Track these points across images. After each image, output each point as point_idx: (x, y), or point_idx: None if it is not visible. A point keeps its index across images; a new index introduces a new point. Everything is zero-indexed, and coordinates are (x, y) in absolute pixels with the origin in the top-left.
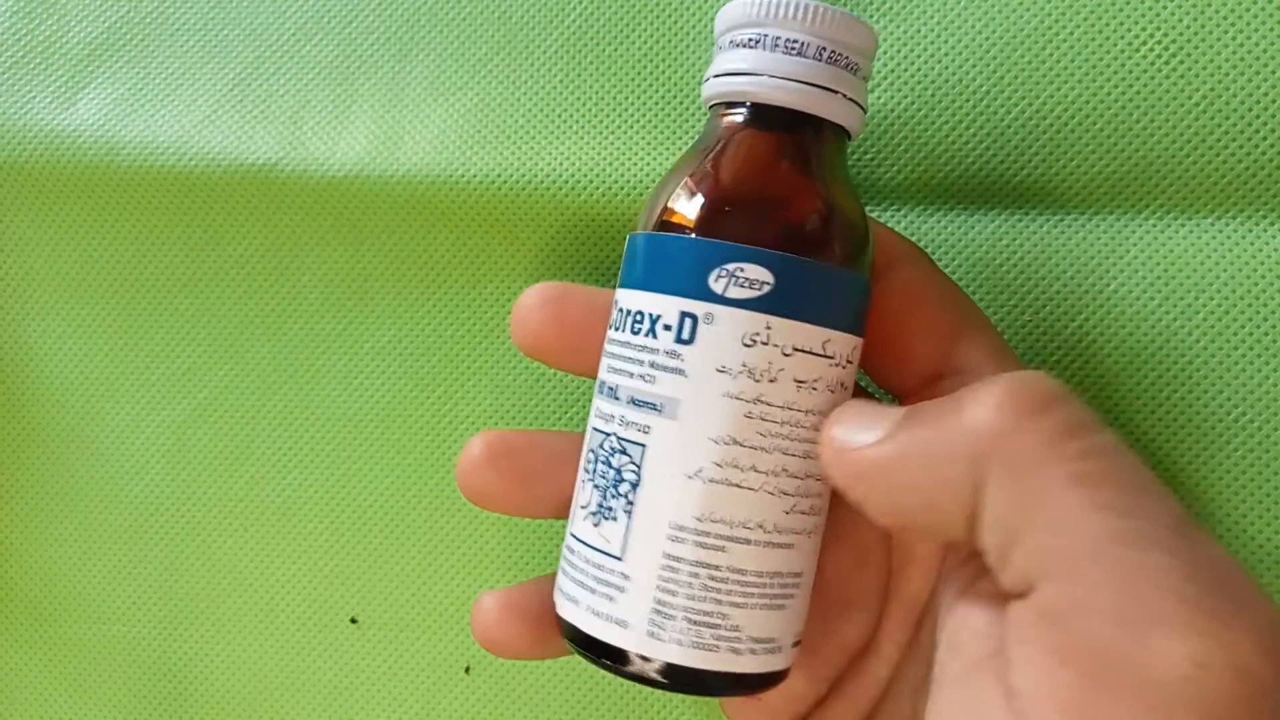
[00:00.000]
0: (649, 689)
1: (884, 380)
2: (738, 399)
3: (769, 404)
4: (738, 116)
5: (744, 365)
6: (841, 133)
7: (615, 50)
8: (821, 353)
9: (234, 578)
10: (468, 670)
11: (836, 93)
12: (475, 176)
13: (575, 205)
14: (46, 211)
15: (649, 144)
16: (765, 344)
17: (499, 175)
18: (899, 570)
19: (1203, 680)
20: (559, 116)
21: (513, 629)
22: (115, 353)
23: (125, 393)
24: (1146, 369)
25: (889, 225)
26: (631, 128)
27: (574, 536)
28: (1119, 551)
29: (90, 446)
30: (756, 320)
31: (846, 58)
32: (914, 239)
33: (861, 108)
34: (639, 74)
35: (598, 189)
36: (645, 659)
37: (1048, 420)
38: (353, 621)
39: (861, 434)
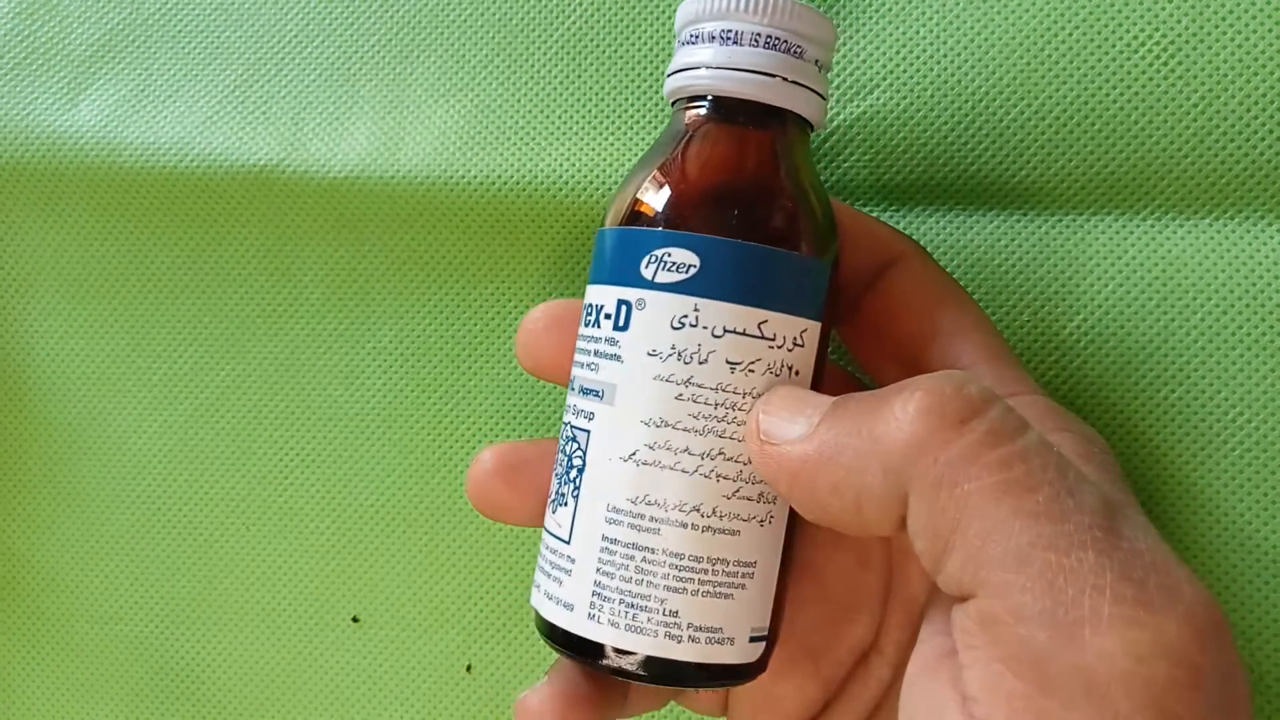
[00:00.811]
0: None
1: (882, 377)
2: (668, 381)
3: (700, 385)
4: (692, 113)
5: (673, 348)
6: (800, 123)
7: (615, 51)
8: (758, 334)
9: (236, 577)
10: (469, 669)
11: (783, 79)
12: (476, 177)
13: (575, 206)
14: (49, 212)
15: (649, 145)
16: (694, 326)
17: (499, 176)
18: (898, 570)
19: (1141, 672)
20: (559, 118)
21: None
22: (117, 353)
23: (127, 393)
24: (1145, 369)
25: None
26: (631, 129)
27: (544, 528)
28: (1049, 557)
29: (92, 447)
30: (684, 303)
31: (794, 45)
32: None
33: (818, 95)
34: (639, 75)
35: (598, 190)
36: (585, 640)
37: (969, 430)
38: (354, 621)
39: (786, 427)
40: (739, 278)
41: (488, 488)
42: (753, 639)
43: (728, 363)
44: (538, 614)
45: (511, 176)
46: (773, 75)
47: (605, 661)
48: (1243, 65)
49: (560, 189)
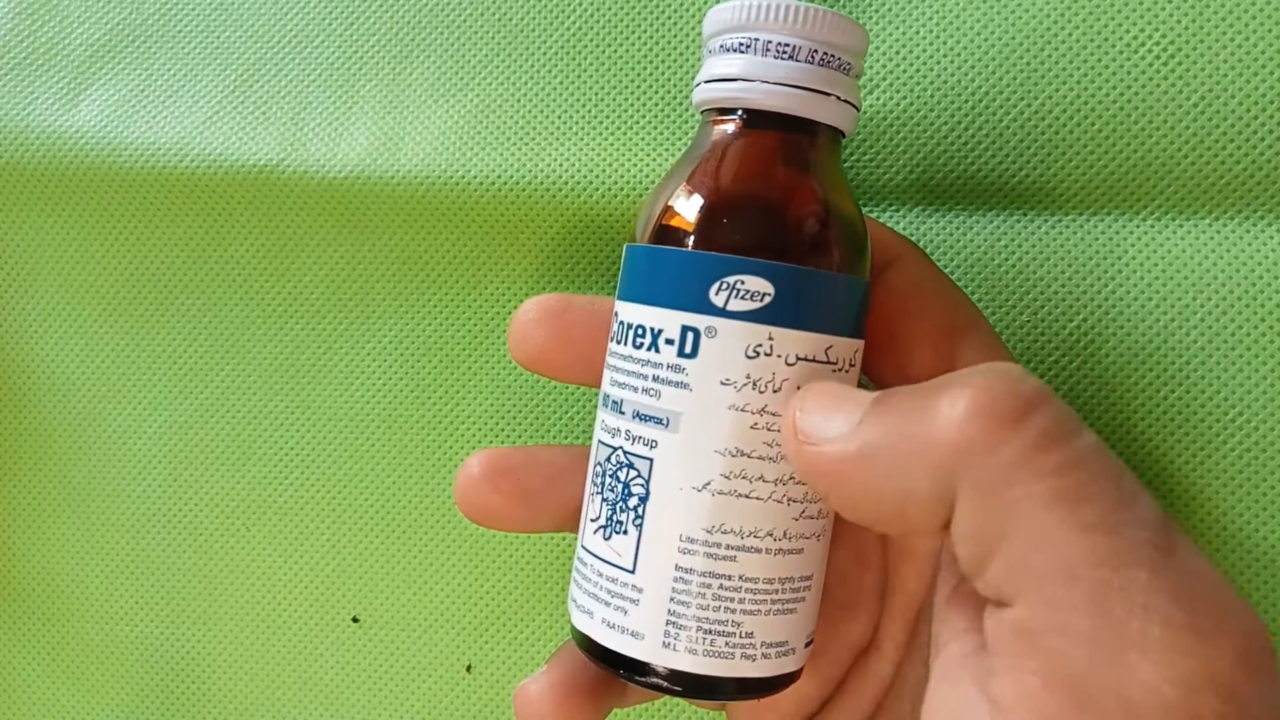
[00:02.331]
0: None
1: (880, 378)
2: (743, 411)
3: (774, 414)
4: (731, 123)
5: (747, 377)
6: (836, 134)
7: (615, 51)
8: (824, 359)
9: (236, 577)
10: (469, 669)
11: (831, 95)
12: (475, 177)
13: (575, 206)
14: (49, 212)
15: (649, 145)
16: (768, 355)
17: (499, 176)
18: (895, 568)
19: (1186, 703)
20: (559, 117)
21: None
22: (118, 353)
23: (127, 393)
24: (1144, 369)
25: (888, 226)
26: (631, 129)
27: (585, 549)
28: (1100, 574)
29: (93, 446)
30: (759, 332)
31: (838, 58)
32: (913, 240)
33: (855, 107)
34: (639, 75)
35: (598, 190)
36: (660, 669)
37: (1023, 431)
38: (354, 620)
39: (825, 424)
40: (811, 306)
41: (474, 493)
42: (806, 644)
43: (799, 390)
44: (590, 640)
45: (511, 176)
46: (828, 93)
47: (678, 687)
48: (1243, 65)
49: (560, 189)
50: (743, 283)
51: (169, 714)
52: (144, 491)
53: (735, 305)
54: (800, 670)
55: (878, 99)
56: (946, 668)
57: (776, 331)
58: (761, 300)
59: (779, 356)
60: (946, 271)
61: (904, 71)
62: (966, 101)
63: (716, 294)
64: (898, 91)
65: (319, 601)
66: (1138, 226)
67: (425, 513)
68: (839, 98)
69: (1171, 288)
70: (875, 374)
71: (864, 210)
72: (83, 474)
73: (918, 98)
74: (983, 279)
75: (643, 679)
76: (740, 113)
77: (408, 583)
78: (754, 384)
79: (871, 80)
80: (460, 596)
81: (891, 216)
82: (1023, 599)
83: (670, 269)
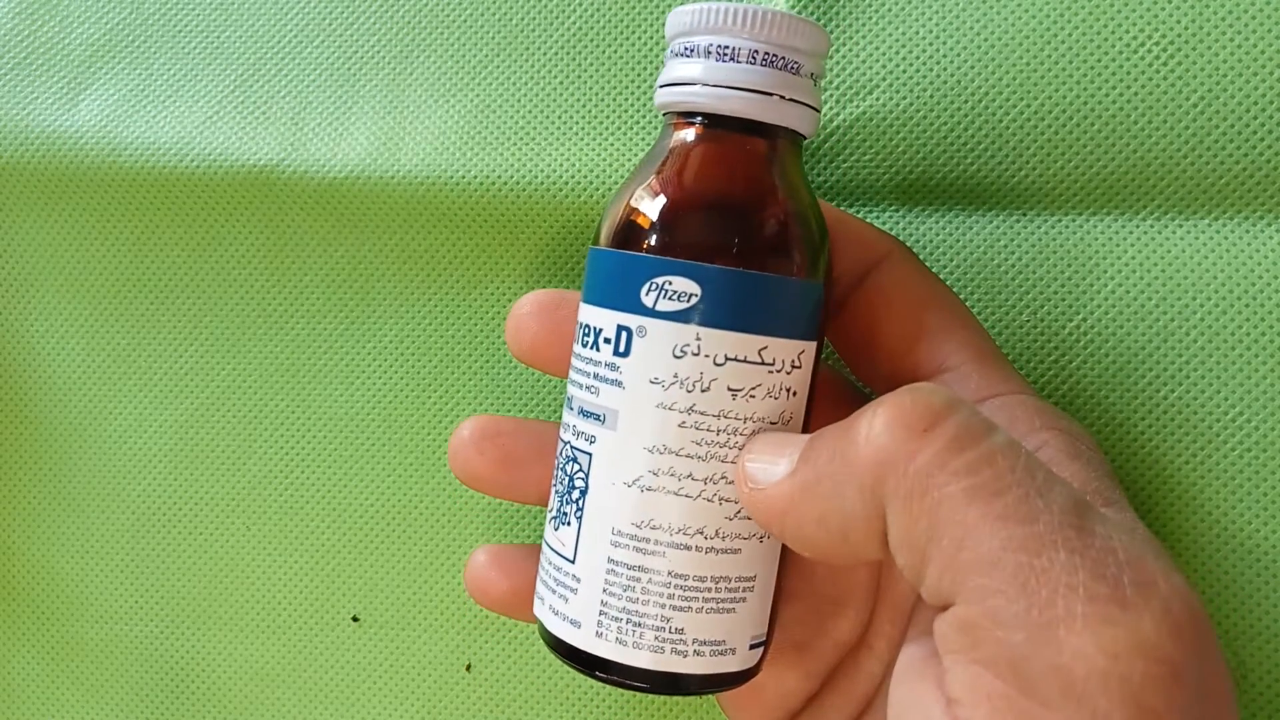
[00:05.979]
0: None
1: (871, 380)
2: (670, 409)
3: (703, 413)
4: (686, 129)
5: (675, 376)
6: (794, 137)
7: (615, 51)
8: (758, 360)
9: (236, 576)
10: (469, 668)
11: (781, 96)
12: (475, 177)
13: (575, 206)
14: (49, 212)
15: (648, 145)
16: (695, 355)
17: (499, 176)
18: (887, 567)
19: (1117, 669)
20: (559, 118)
21: (495, 579)
22: (118, 353)
23: (127, 393)
24: (1144, 369)
25: (886, 227)
26: (631, 129)
27: (544, 540)
28: (1020, 559)
29: (93, 446)
30: (685, 332)
31: (789, 60)
32: (912, 240)
33: (814, 109)
34: (639, 75)
35: (597, 190)
36: (593, 656)
37: (935, 437)
38: (354, 620)
39: (770, 469)
40: (740, 306)
41: (461, 455)
42: (752, 646)
43: (729, 390)
44: (543, 626)
45: (511, 176)
46: (770, 94)
47: (612, 676)
48: (1243, 65)
49: (560, 189)
50: (670, 283)
51: (169, 714)
52: (144, 491)
53: (664, 305)
54: (749, 670)
55: (877, 99)
56: (905, 669)
57: (704, 331)
58: (688, 300)
59: (707, 356)
60: (945, 272)
61: (904, 71)
62: (967, 101)
63: (647, 294)
64: (898, 91)
65: (319, 601)
66: (1137, 226)
67: (425, 513)
68: (793, 99)
69: (1171, 288)
70: (865, 376)
71: (862, 210)
72: (83, 473)
73: (918, 98)
74: (982, 279)
75: (578, 665)
76: (699, 117)
77: (408, 583)
78: (681, 383)
79: (871, 80)
80: (460, 596)
81: (891, 217)
82: (958, 595)
83: (609, 270)
